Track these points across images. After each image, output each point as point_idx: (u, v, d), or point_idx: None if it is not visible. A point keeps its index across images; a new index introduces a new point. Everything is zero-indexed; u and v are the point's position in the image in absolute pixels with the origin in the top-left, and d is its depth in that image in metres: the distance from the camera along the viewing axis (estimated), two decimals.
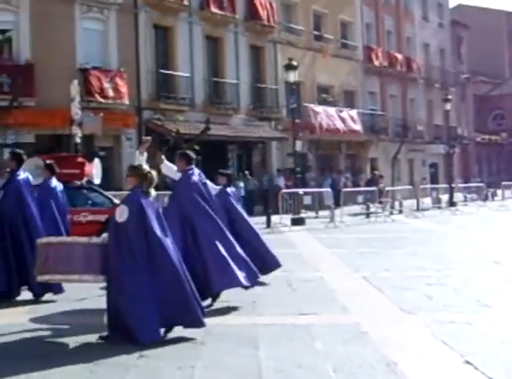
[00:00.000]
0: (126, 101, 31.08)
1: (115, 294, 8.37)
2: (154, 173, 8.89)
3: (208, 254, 10.46)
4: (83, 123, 25.42)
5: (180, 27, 35.39)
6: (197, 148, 29.71)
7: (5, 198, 11.66)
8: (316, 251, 19.53)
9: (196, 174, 10.74)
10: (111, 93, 30.20)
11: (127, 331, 8.28)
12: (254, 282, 11.20)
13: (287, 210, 29.26)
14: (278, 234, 25.17)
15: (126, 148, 31.89)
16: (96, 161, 20.72)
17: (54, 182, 14.77)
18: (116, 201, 18.11)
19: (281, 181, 37.32)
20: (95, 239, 8.82)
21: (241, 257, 10.88)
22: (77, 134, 24.66)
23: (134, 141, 32.03)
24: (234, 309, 10.78)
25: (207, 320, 8.81)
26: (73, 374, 7.36)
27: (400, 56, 55.45)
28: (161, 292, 8.39)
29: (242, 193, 34.36)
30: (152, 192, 8.76)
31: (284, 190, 31.37)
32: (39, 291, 11.63)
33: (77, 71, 29.08)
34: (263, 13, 39.97)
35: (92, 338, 8.67)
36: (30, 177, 12.09)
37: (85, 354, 8.04)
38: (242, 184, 34.77)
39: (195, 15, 36.08)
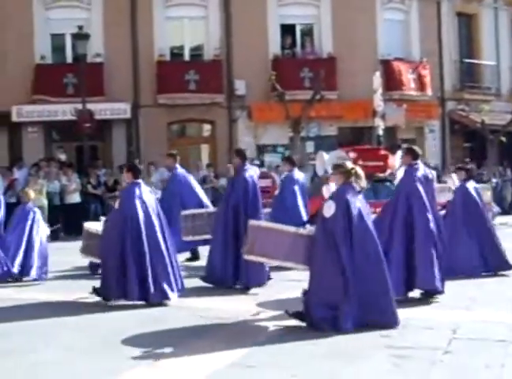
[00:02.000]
0: (429, 92, 30.60)
1: (317, 285, 8.70)
2: (359, 168, 9.15)
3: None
4: (386, 115, 25.43)
5: (484, 13, 34.20)
6: (503, 139, 28.72)
7: (232, 194, 12.00)
8: None
9: (421, 169, 10.89)
10: (413, 84, 29.84)
11: (328, 317, 8.54)
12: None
13: None
14: None
15: (429, 140, 31.40)
16: (399, 153, 20.45)
17: (297, 174, 15.67)
18: None
19: None
20: (302, 230, 9.39)
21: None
22: (380, 126, 24.73)
23: (437, 133, 31.49)
24: None
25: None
26: (377, 365, 7.26)
27: None
28: (362, 291, 8.59)
29: None
30: (363, 186, 8.99)
31: None
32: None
33: (378, 63, 29.05)
34: None
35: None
36: (257, 172, 12.36)
37: (384, 346, 7.93)
38: None
39: (500, 0, 34.74)
